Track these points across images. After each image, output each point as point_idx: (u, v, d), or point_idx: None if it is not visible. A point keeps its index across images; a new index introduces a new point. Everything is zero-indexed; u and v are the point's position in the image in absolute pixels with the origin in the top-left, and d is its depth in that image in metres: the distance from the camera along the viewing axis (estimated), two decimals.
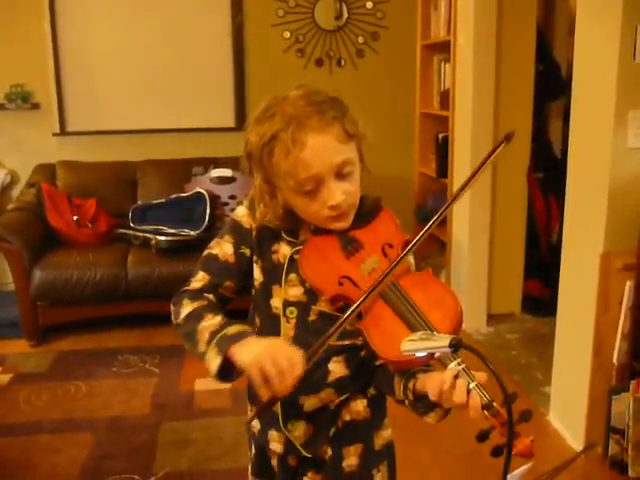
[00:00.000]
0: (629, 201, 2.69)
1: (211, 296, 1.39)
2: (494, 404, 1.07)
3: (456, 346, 1.04)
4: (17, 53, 4.84)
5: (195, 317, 1.32)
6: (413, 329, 1.16)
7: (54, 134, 4.99)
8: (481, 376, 1.11)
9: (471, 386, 1.08)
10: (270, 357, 1.15)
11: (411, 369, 1.25)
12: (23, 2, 4.80)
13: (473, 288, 4.33)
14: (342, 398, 1.39)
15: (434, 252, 4.96)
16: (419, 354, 1.11)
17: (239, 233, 1.40)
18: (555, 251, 3.86)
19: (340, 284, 1.28)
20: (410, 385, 1.24)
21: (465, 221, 4.28)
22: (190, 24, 4.97)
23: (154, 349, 4.07)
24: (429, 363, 1.19)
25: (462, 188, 1.24)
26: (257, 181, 1.33)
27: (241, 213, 1.42)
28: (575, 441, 2.98)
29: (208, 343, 1.26)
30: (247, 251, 1.40)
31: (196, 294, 1.38)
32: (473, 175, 1.25)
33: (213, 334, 1.26)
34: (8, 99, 4.83)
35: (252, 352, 1.18)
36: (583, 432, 2.92)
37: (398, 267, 1.25)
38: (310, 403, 1.37)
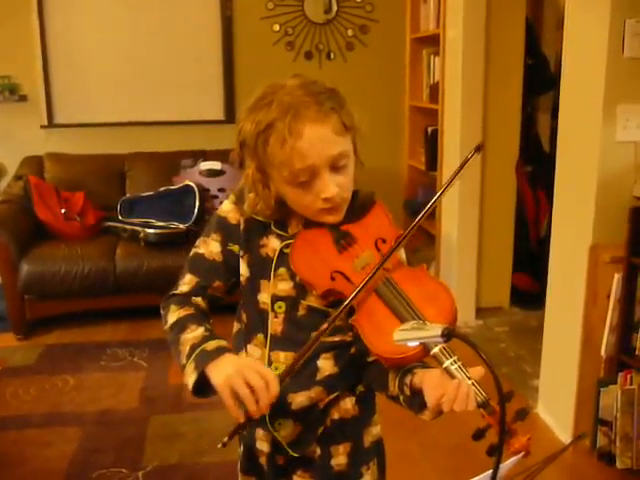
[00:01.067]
0: (617, 194, 2.70)
1: (199, 299, 1.38)
2: (490, 402, 1.06)
3: (448, 335, 1.03)
4: (4, 45, 4.80)
5: (179, 327, 1.31)
6: None
7: (42, 126, 4.96)
8: (477, 372, 1.09)
9: (467, 383, 1.07)
10: (242, 377, 1.15)
11: (405, 365, 1.23)
12: None
13: (462, 281, 4.33)
14: (331, 397, 1.36)
15: (423, 245, 4.96)
16: (411, 343, 1.09)
17: (226, 230, 1.38)
18: (544, 244, 3.88)
19: (332, 279, 1.27)
20: (407, 380, 1.22)
21: (454, 214, 4.28)
22: (179, 16, 4.95)
23: (143, 342, 4.06)
24: (424, 360, 1.18)
25: (440, 193, 1.27)
26: (249, 170, 1.30)
27: (227, 208, 1.39)
28: (563, 433, 3.00)
29: (188, 357, 1.25)
30: (235, 248, 1.37)
31: (183, 299, 1.37)
32: (455, 175, 1.25)
33: (193, 348, 1.25)
34: None
35: (223, 372, 1.17)
36: (571, 424, 2.93)
37: (391, 262, 1.24)
38: (298, 401, 1.34)
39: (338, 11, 5.07)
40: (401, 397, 1.25)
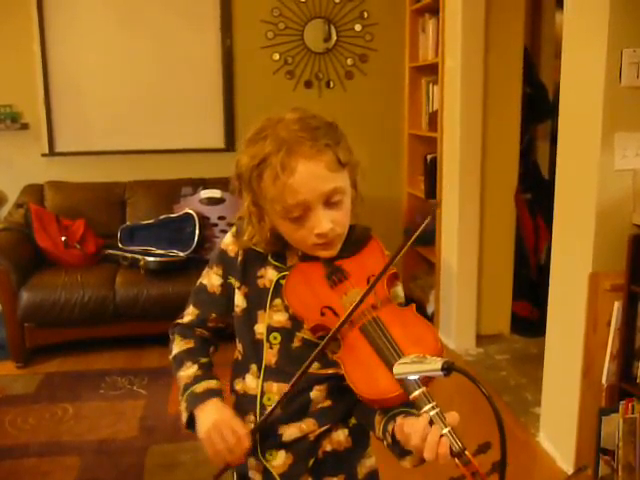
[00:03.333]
0: (616, 222, 2.71)
1: (201, 331, 1.44)
2: (466, 453, 1.02)
3: (448, 369, 1.02)
4: (6, 73, 4.84)
5: (178, 362, 1.41)
6: (389, 366, 1.13)
7: (43, 154, 4.98)
8: (452, 417, 1.06)
9: (444, 431, 1.04)
10: (218, 433, 1.26)
11: (387, 407, 1.20)
12: (12, 22, 4.81)
13: (462, 309, 4.33)
14: (323, 429, 1.35)
15: (423, 273, 4.97)
16: (411, 377, 1.08)
17: (226, 263, 1.40)
18: (544, 272, 3.88)
19: (322, 314, 1.26)
20: (389, 428, 1.20)
21: (454, 242, 4.29)
22: (180, 46, 4.99)
23: (142, 371, 4.04)
24: (407, 402, 1.12)
25: (396, 254, 1.27)
26: (246, 202, 1.31)
27: (227, 241, 1.42)
28: (565, 462, 2.98)
29: (182, 395, 1.36)
30: (233, 280, 1.39)
31: (186, 330, 1.45)
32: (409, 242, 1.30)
33: (185, 387, 1.36)
34: None
35: (204, 425, 1.29)
36: (573, 453, 2.91)
37: (380, 300, 1.24)
38: (289, 433, 1.34)
39: (338, 40, 5.11)
40: (384, 442, 1.24)
